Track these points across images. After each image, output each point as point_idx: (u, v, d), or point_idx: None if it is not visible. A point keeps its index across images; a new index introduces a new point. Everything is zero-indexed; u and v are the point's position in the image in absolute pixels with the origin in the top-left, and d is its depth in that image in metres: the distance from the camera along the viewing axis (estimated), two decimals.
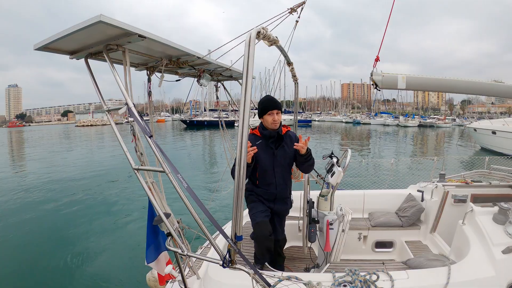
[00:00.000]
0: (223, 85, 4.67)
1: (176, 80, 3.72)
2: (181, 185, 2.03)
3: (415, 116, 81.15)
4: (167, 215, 2.39)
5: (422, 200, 5.03)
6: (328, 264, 3.63)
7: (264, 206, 3.36)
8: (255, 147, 2.84)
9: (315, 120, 60.63)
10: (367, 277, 2.40)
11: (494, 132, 22.30)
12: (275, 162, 3.23)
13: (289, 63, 3.68)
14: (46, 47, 2.28)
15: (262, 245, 3.24)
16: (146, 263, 2.75)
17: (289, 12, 3.45)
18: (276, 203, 3.42)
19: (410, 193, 5.31)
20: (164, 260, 2.79)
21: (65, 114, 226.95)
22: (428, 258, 3.32)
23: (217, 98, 4.92)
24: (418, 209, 4.92)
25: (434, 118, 78.98)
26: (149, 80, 3.20)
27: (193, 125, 53.00)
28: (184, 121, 56.66)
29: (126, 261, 6.49)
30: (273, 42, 2.33)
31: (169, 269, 2.72)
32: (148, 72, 3.15)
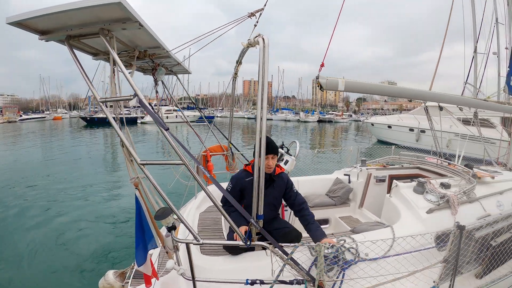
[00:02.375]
0: (162, 82, 4.96)
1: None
2: (202, 179, 2.39)
3: (314, 112, 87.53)
4: (169, 210, 2.54)
5: (349, 182, 6.08)
6: None
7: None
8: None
9: (217, 116, 61.41)
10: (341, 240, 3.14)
11: (389, 127, 26.99)
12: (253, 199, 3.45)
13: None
14: (20, 23, 2.24)
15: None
16: (136, 267, 2.82)
17: (248, 16, 4.08)
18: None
19: (337, 177, 6.33)
20: (150, 260, 2.87)
21: None
22: (369, 225, 4.25)
23: (157, 92, 5.20)
24: (347, 189, 5.97)
25: (333, 114, 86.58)
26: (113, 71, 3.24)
27: (93, 123, 49.57)
28: (84, 118, 52.63)
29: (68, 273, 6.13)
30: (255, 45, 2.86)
31: (171, 264, 2.74)
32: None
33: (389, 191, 5.50)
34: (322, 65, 4.42)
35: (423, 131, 23.36)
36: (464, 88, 17.38)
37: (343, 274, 2.88)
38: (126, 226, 7.95)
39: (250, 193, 3.20)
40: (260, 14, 4.17)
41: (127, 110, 49.88)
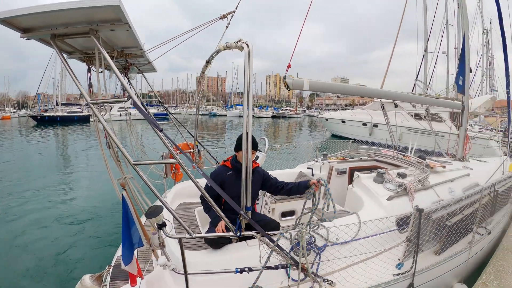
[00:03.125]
0: (128, 79, 4.99)
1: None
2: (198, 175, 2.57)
3: (268, 108, 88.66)
4: (160, 208, 2.65)
5: (313, 175, 6.42)
6: None
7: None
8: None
9: (171, 114, 60.45)
10: (314, 228, 3.45)
11: (343, 121, 28.10)
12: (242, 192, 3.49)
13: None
14: (4, 20, 2.22)
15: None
16: (123, 266, 2.83)
17: (220, 18, 4.29)
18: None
19: (300, 171, 6.66)
20: (135, 259, 2.91)
21: None
22: (336, 213, 4.59)
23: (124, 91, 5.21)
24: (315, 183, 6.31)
25: (287, 109, 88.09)
26: (89, 70, 3.25)
27: (44, 121, 46.86)
28: (34, 117, 49.54)
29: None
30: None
31: (163, 260, 2.89)
32: (87, 61, 3.18)
33: (350, 182, 5.97)
34: (288, 66, 4.72)
35: (375, 126, 24.61)
36: (415, 84, 18.60)
37: (319, 257, 3.18)
38: (87, 227, 7.74)
39: (231, 187, 3.46)
40: (232, 16, 4.39)
41: (79, 108, 47.61)
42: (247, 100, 2.82)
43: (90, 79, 3.21)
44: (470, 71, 8.10)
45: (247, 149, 2.88)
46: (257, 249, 3.03)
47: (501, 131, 17.70)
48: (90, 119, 44.13)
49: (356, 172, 5.13)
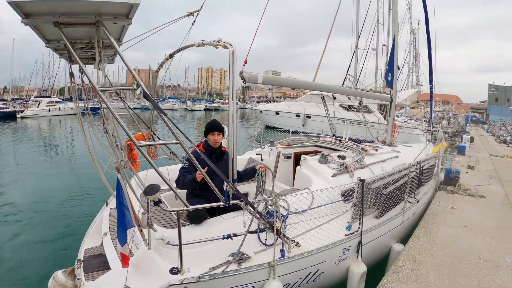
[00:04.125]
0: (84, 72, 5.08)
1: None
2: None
3: (201, 101, 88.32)
4: (157, 187, 2.93)
5: (262, 160, 7.01)
6: None
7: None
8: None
9: (129, 107, 57.65)
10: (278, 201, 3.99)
11: (277, 113, 29.47)
12: (215, 173, 3.66)
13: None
14: (16, 4, 2.20)
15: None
16: (120, 247, 3.01)
17: (187, 16, 4.66)
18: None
19: (250, 157, 7.21)
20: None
21: None
22: (288, 191, 5.17)
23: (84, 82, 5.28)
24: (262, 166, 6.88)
25: (219, 102, 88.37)
26: (71, 60, 3.33)
27: None
28: None
29: None
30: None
31: (159, 234, 3.20)
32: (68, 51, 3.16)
33: (295, 165, 6.69)
34: (245, 62, 5.24)
35: (308, 117, 26.06)
36: (346, 78, 20.01)
37: (285, 223, 3.76)
38: (34, 225, 7.36)
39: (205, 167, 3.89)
40: (197, 14, 4.76)
41: (4, 104, 43.07)
42: (231, 95, 3.37)
43: (71, 69, 3.43)
44: (398, 68, 9.36)
45: (232, 134, 3.41)
46: (231, 221, 3.57)
47: (425, 121, 19.67)
48: (17, 115, 39.76)
49: (303, 155, 5.79)
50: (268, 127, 29.62)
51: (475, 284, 4.14)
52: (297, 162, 6.62)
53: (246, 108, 78.43)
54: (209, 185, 3.32)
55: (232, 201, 3.35)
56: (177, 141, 2.90)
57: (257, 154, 7.18)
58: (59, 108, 43.08)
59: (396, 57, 8.91)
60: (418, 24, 40.58)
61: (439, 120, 34.44)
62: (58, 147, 19.53)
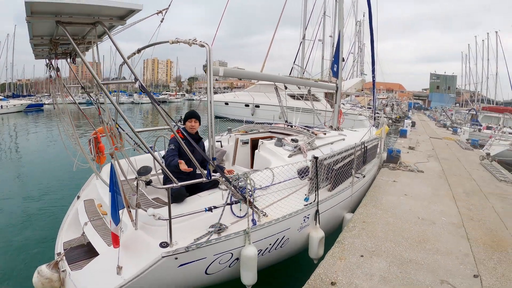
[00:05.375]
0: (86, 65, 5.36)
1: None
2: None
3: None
4: (150, 168, 3.43)
5: (222, 146, 7.54)
6: None
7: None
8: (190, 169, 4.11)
9: (46, 104, 54.57)
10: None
11: (227, 103, 30.35)
12: (194, 156, 4.10)
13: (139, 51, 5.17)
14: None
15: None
16: (114, 227, 3.32)
17: (156, 13, 5.03)
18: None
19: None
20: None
21: None
22: (251, 170, 5.73)
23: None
24: (222, 152, 7.42)
25: (166, 94, 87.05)
26: (56, 56, 3.67)
27: None
28: None
29: None
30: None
31: (151, 211, 3.54)
32: (52, 47, 3.51)
33: (252, 150, 7.33)
34: None
35: (257, 106, 26.90)
36: (292, 68, 20.91)
37: (253, 197, 4.31)
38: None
39: (185, 152, 4.24)
40: (166, 12, 5.14)
41: None
42: (209, 87, 3.94)
43: (57, 64, 3.81)
44: (343, 60, 10.22)
45: (211, 123, 3.97)
46: (207, 198, 4.09)
47: (369, 108, 20.99)
48: None
49: (260, 140, 6.40)
50: (217, 117, 30.09)
51: (415, 236, 5.05)
52: (253, 147, 7.26)
53: (193, 100, 77.86)
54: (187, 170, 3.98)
55: (214, 176, 3.85)
56: (168, 127, 3.37)
57: (217, 141, 7.69)
58: (1, 106, 39.73)
59: (341, 50, 9.81)
60: (364, 16, 42.81)
61: (383, 107, 36.64)
62: (5, 148, 18.26)
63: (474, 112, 30.38)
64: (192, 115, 4.85)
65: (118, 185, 3.33)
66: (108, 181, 4.78)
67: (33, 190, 9.48)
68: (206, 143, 7.37)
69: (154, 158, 3.55)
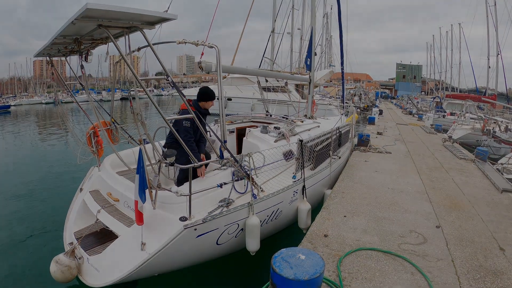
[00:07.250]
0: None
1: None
2: None
3: (117, 90, 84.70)
4: (174, 152, 4.04)
5: (210, 136, 8.21)
6: None
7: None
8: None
9: (12, 105, 52.63)
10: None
11: None
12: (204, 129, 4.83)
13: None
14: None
15: None
16: (140, 205, 3.72)
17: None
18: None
19: None
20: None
21: None
22: (243, 155, 6.46)
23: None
24: (211, 141, 8.08)
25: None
26: (81, 55, 4.14)
27: None
28: None
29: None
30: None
31: (175, 188, 4.10)
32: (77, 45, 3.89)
33: (237, 139, 8.12)
34: (202, 54, 6.33)
35: (229, 99, 27.37)
36: (262, 60, 21.62)
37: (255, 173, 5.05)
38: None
39: (198, 128, 4.83)
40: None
41: None
42: (220, 84, 4.81)
43: (81, 62, 4.32)
44: (315, 54, 11.14)
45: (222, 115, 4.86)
46: (212, 178, 4.64)
47: (338, 98, 22.07)
48: None
49: (247, 128, 7.15)
50: None
51: (387, 201, 6.06)
52: (238, 135, 8.05)
53: (162, 95, 76.85)
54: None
55: (226, 158, 4.63)
56: (191, 115, 3.93)
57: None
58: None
59: (314, 45, 10.72)
60: (331, 9, 44.26)
61: (351, 97, 38.05)
62: None
63: (439, 100, 31.99)
64: (213, 96, 5.42)
65: (144, 168, 3.76)
66: (111, 172, 5.51)
67: (21, 188, 9.57)
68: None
69: (183, 146, 4.07)
